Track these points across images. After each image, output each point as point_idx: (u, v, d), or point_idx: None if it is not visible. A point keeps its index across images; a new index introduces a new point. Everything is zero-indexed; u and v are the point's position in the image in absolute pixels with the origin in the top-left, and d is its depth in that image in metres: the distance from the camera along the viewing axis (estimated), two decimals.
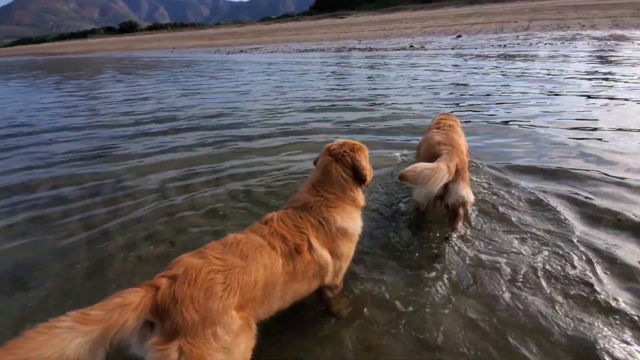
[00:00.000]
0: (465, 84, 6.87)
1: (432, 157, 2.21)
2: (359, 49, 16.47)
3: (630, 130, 3.74)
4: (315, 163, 1.75)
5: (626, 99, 4.85)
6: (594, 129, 3.87)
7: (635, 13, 19.35)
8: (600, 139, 3.56)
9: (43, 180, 3.68)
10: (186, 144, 4.55)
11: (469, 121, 4.45)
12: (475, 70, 8.26)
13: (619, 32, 13.80)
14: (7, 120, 6.87)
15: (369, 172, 1.67)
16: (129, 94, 9.17)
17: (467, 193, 2.12)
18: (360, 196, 1.67)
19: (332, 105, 6.01)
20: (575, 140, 3.60)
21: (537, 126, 4.09)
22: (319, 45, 20.66)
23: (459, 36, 18.03)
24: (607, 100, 4.89)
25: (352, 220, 1.59)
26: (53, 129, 5.92)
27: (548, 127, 4.05)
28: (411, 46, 15.44)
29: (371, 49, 15.92)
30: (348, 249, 1.59)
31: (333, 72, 10.10)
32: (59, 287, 2.08)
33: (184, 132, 5.14)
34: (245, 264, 1.27)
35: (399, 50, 14.72)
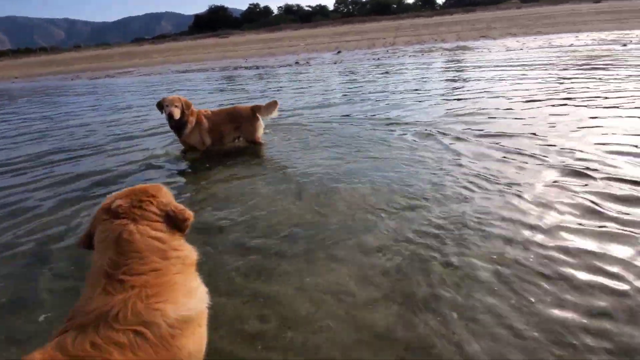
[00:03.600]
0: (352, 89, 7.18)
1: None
2: (245, 67, 16.16)
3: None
4: (83, 243, 1.16)
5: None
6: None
7: (472, 28, 24.21)
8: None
9: None
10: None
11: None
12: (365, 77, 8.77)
13: (462, 43, 16.90)
14: None
15: (189, 213, 1.21)
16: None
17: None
18: (187, 249, 1.19)
19: None
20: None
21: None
22: (202, 66, 19.58)
23: (339, 52, 19.45)
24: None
25: (191, 297, 1.07)
26: None
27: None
28: (297, 62, 15.88)
29: (258, 67, 15.78)
30: (199, 340, 1.09)
31: (225, 86, 9.45)
32: None
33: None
34: None
35: (285, 66, 14.93)
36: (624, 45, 11.07)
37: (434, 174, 3.09)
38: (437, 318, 1.61)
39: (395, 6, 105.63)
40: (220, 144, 4.28)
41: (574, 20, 22.95)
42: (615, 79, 6.25)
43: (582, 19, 22.80)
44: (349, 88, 8.15)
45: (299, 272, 2.02)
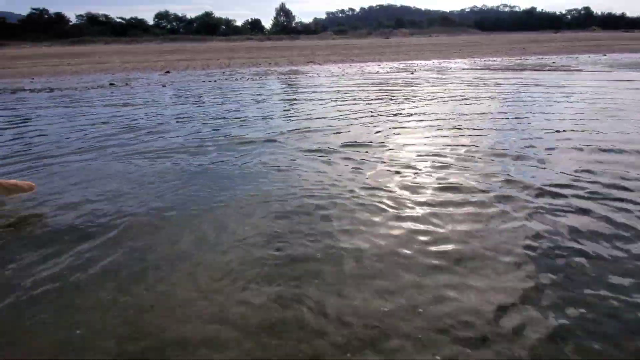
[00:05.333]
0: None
1: None
2: (32, 90, 12.63)
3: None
4: None
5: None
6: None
7: (300, 54, 27.06)
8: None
9: None
10: None
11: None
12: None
13: (294, 67, 18.58)
14: None
15: None
16: None
17: None
18: None
19: None
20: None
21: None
22: None
23: (168, 72, 17.98)
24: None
25: None
26: None
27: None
28: (112, 83, 13.61)
29: (53, 89, 12.61)
30: None
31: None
32: None
33: None
34: None
35: (96, 88, 12.52)
36: (412, 73, 14.69)
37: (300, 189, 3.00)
38: None
39: (224, 27, 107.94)
40: None
41: (375, 51, 29.11)
42: (407, 97, 8.14)
43: (379, 51, 29.14)
44: (184, 111, 7.47)
45: None
